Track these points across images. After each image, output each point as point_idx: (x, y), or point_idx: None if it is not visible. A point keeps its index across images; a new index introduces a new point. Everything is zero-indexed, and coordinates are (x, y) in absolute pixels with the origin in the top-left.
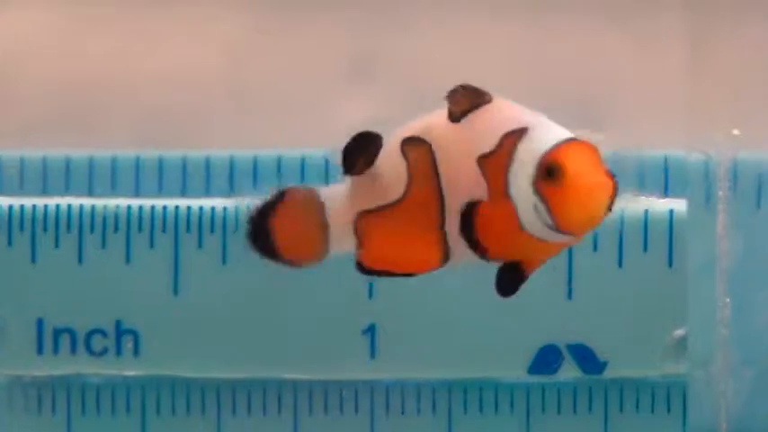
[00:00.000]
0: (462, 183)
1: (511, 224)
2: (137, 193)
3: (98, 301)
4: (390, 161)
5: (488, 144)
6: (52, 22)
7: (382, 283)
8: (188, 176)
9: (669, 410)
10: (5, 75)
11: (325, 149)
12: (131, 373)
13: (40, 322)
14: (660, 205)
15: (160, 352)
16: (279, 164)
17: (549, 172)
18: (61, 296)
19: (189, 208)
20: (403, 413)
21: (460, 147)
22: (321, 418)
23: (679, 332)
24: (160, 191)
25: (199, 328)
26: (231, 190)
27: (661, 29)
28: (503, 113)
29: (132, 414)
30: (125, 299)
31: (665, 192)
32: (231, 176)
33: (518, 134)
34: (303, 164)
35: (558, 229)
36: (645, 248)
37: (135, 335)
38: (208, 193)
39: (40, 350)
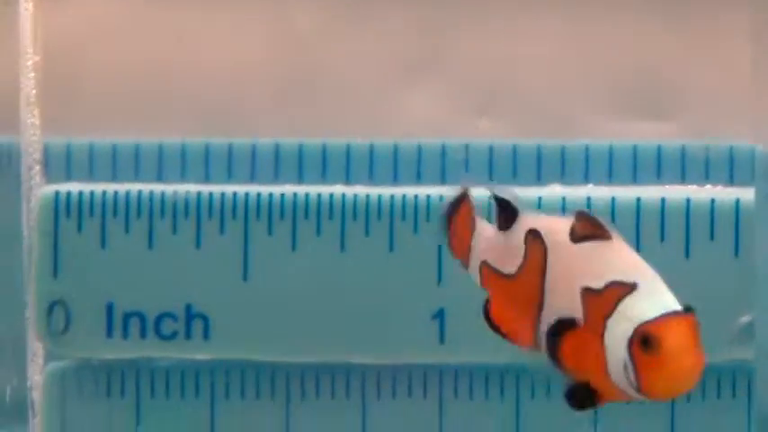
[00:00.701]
0: (562, 299)
1: (598, 363)
2: (206, 180)
3: (168, 285)
4: (516, 238)
5: (596, 282)
6: (120, 10)
7: (451, 269)
8: (257, 163)
9: (734, 396)
10: (75, 63)
11: (394, 139)
12: (201, 357)
13: (109, 306)
14: (727, 195)
15: (230, 336)
16: (348, 152)
17: (645, 340)
18: (131, 280)
19: (259, 194)
20: (471, 398)
21: (572, 267)
22: (389, 403)
23: (745, 318)
24: (230, 177)
25: (268, 313)
26: (300, 177)
27: (728, 21)
28: (620, 257)
29: (201, 398)
30: (195, 283)
31: (732, 182)
32: (300, 163)
33: (628, 289)
34: (372, 152)
35: (640, 391)
36: (711, 238)
37: (205, 319)
38: (277, 179)
39: (109, 334)
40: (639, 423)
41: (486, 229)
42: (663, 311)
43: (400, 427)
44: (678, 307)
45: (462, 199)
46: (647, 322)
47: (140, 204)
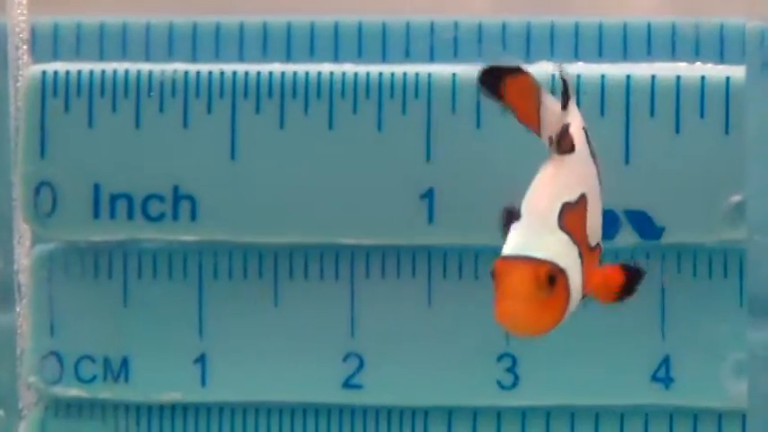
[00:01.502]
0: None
1: None
2: (194, 59)
3: (155, 166)
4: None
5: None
6: None
7: (440, 148)
8: (245, 42)
9: (726, 276)
10: None
11: (383, 17)
12: (188, 238)
13: (96, 187)
14: (717, 72)
15: (217, 217)
16: (336, 29)
17: (492, 275)
18: (118, 161)
19: (247, 73)
20: (460, 278)
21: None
22: (378, 283)
23: (736, 198)
24: (217, 56)
25: (256, 194)
26: (288, 55)
27: None
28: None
29: (189, 279)
30: (182, 164)
31: (722, 59)
32: (288, 42)
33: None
34: (360, 30)
35: None
36: (702, 115)
37: (192, 200)
38: (265, 58)
39: (96, 215)
40: (631, 305)
41: (553, 104)
42: (516, 252)
43: (389, 306)
44: (537, 254)
45: (520, 72)
46: (500, 257)
47: (128, 84)
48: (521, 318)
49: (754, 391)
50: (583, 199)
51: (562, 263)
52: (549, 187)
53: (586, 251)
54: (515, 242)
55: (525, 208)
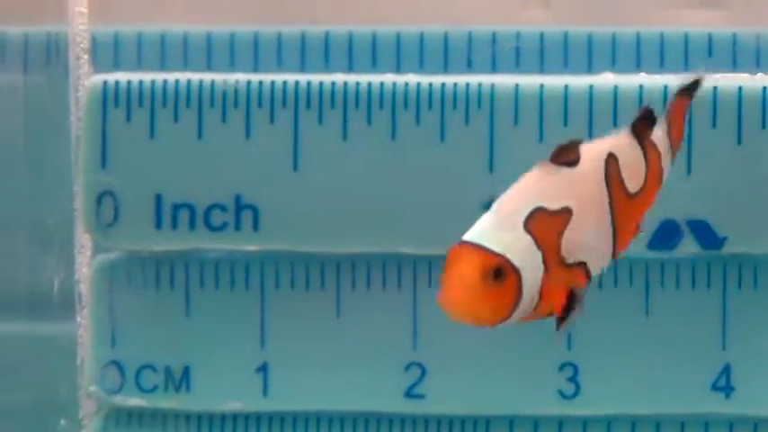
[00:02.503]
0: None
1: None
2: (256, 68)
3: (217, 176)
4: None
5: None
6: None
7: (502, 157)
8: (307, 51)
9: None
10: None
11: (446, 27)
12: (250, 248)
13: (158, 197)
14: None
15: (279, 227)
16: (398, 40)
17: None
18: (180, 171)
19: (309, 83)
20: None
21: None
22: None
23: None
24: (279, 66)
25: (318, 204)
26: (350, 66)
27: None
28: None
29: (251, 289)
30: (245, 174)
31: None
32: (350, 51)
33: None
34: (422, 40)
35: None
36: (764, 125)
37: (254, 210)
38: (327, 68)
39: (158, 225)
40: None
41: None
42: (470, 239)
43: (447, 319)
44: (491, 245)
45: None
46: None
47: (189, 94)
48: (462, 305)
49: None
50: (566, 213)
51: (516, 261)
52: (527, 188)
53: (555, 264)
54: (473, 231)
55: (496, 202)
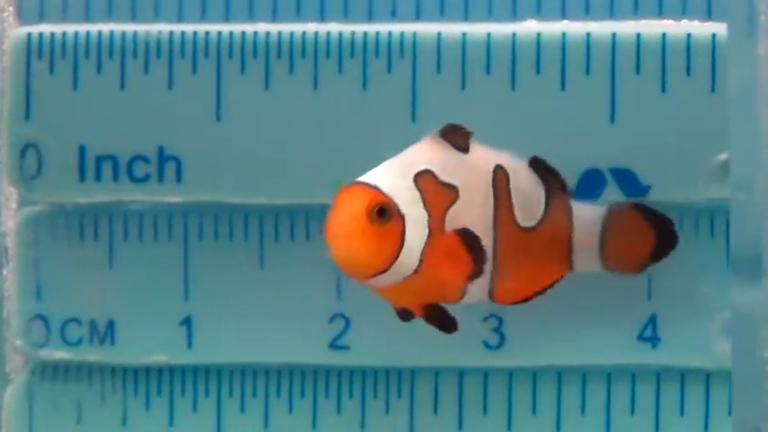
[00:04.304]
0: None
1: None
2: (179, 19)
3: (140, 127)
4: None
5: None
6: None
7: (426, 107)
8: (231, 2)
9: (713, 235)
10: None
11: None
12: (174, 199)
13: (81, 149)
14: (703, 29)
15: (202, 178)
16: None
17: None
18: (103, 123)
19: (231, 33)
20: None
21: None
22: None
23: (722, 156)
24: (203, 16)
25: (242, 154)
26: (274, 15)
27: None
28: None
29: (174, 240)
30: (168, 125)
31: (709, 15)
32: (274, 1)
33: None
34: None
35: None
36: (688, 73)
37: (177, 161)
38: (250, 18)
39: (82, 177)
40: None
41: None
42: (361, 179)
43: None
44: (380, 186)
45: None
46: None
47: (112, 45)
48: (344, 239)
49: (739, 350)
50: (453, 189)
51: (403, 208)
52: (419, 153)
53: (439, 227)
54: (366, 175)
55: (389, 161)
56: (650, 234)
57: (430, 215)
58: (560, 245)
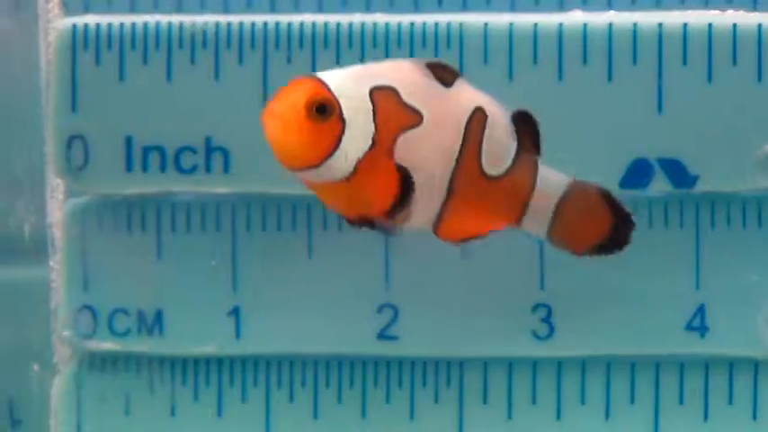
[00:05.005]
0: None
1: None
2: (225, 10)
3: (187, 118)
4: None
5: None
6: None
7: None
8: None
9: (760, 225)
10: None
11: None
12: (221, 190)
13: (129, 140)
14: (749, 19)
15: (250, 169)
16: None
17: None
18: (150, 114)
19: (278, 24)
20: None
21: None
22: (413, 234)
23: None
24: (249, 7)
25: None
26: (320, 6)
27: None
28: None
29: (222, 231)
30: (215, 116)
31: (755, 6)
32: None
33: None
34: None
35: None
36: (734, 63)
37: (225, 152)
38: (297, 9)
39: (129, 168)
40: (666, 255)
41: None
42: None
43: (424, 257)
44: (329, 83)
45: None
46: None
47: (158, 36)
48: (277, 124)
49: None
50: (416, 114)
51: (347, 112)
52: (396, 70)
53: (384, 151)
54: (324, 72)
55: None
56: (607, 221)
57: (377, 130)
58: (517, 200)
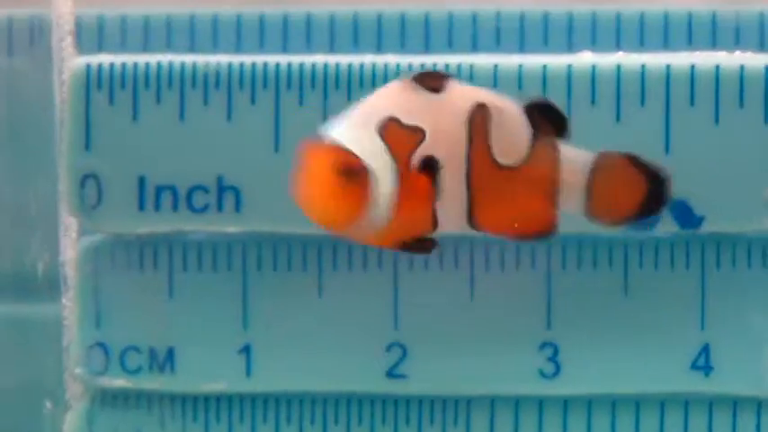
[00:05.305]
0: None
1: None
2: (238, 50)
3: (199, 157)
4: None
5: None
6: None
7: None
8: (289, 33)
9: (765, 265)
10: None
11: (426, 8)
12: (232, 229)
13: (141, 180)
14: (757, 61)
15: (261, 208)
16: (379, 21)
17: None
18: (163, 153)
19: (290, 64)
20: (503, 269)
21: None
22: (421, 273)
23: None
24: (261, 47)
25: None
26: (332, 47)
27: None
28: None
29: (233, 270)
30: (227, 155)
31: (762, 48)
32: (331, 33)
33: None
34: (403, 21)
35: None
36: (741, 104)
37: (236, 191)
38: (308, 49)
39: (141, 207)
40: (671, 295)
41: None
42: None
43: (432, 296)
44: (335, 138)
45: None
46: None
47: (171, 76)
48: (315, 201)
49: None
50: (419, 131)
51: (368, 160)
52: (386, 97)
53: (407, 170)
54: (331, 128)
55: (352, 109)
56: (641, 185)
57: (396, 161)
58: (545, 183)
